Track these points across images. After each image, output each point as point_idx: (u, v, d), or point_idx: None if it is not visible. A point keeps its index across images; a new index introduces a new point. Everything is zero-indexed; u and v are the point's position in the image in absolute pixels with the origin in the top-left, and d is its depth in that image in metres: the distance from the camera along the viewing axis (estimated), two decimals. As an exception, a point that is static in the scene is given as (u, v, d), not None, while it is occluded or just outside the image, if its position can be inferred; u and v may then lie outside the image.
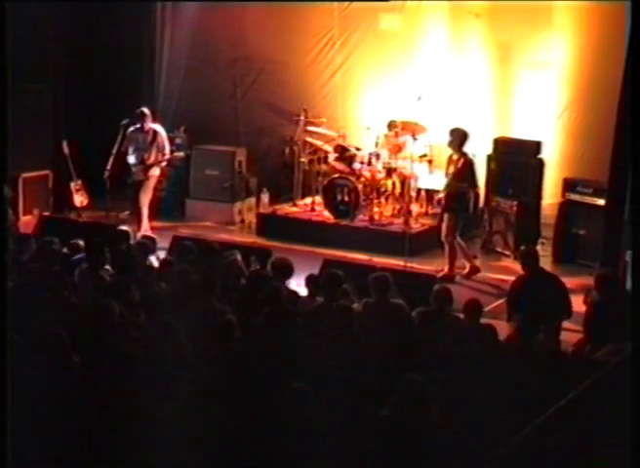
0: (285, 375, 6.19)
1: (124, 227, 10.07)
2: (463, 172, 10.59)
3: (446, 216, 10.74)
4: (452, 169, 10.71)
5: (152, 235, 10.54)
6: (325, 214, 12.25)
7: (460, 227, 10.80)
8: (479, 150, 11.44)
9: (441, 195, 11.01)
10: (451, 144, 10.72)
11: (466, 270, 10.80)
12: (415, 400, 5.66)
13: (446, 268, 10.73)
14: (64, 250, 8.88)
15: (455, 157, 10.69)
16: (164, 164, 12.16)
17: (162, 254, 9.52)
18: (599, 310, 8.03)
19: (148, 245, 9.19)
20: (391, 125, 12.27)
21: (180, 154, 12.69)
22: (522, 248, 9.19)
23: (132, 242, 9.52)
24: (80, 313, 7.26)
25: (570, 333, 8.69)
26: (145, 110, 12.02)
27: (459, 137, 10.67)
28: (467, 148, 10.84)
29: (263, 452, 5.47)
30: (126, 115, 12.21)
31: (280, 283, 7.98)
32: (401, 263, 10.64)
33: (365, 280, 8.02)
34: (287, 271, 8.26)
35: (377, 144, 12.27)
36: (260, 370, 6.30)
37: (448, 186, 10.73)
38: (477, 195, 11.15)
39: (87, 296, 7.75)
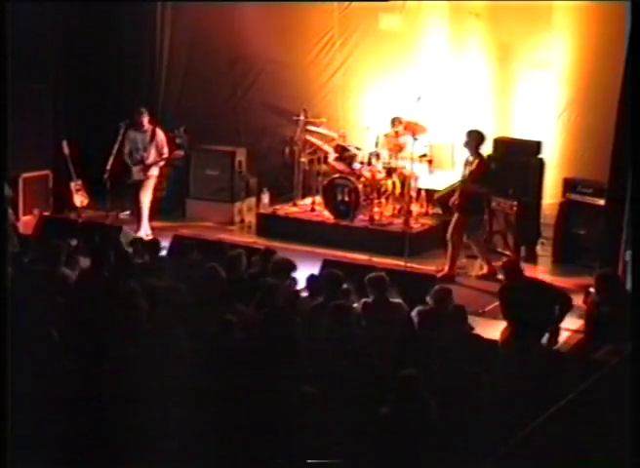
0: (284, 375, 6.20)
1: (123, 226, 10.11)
2: (478, 173, 10.57)
3: (455, 216, 10.73)
4: (467, 170, 10.69)
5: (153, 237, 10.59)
6: (325, 214, 12.24)
7: (475, 228, 10.79)
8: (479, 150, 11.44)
9: (455, 196, 10.84)
10: (467, 146, 10.70)
11: (484, 270, 10.79)
12: (412, 395, 5.66)
13: (446, 268, 10.73)
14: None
15: (470, 158, 10.69)
16: (163, 163, 12.16)
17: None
18: (599, 310, 8.03)
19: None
20: (395, 121, 12.23)
21: (180, 153, 12.71)
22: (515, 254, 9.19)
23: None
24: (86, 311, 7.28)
25: (570, 333, 8.71)
26: (144, 110, 12.02)
27: (475, 139, 10.66)
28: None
29: (266, 453, 5.48)
30: (126, 115, 12.21)
31: (280, 282, 8.00)
32: (401, 263, 10.64)
33: (364, 280, 8.03)
34: (288, 270, 8.28)
35: (377, 144, 12.27)
36: (259, 369, 6.30)
37: (462, 186, 10.69)
38: (486, 196, 11.05)
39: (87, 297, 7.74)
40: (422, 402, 5.70)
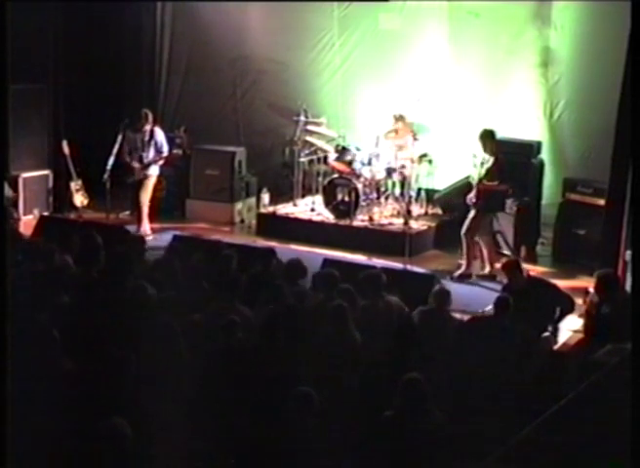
0: (283, 376, 6.19)
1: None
2: (496, 171, 10.54)
3: (472, 213, 10.71)
4: (485, 168, 10.62)
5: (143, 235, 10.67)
6: (325, 214, 12.24)
7: (488, 227, 10.79)
8: (479, 150, 11.45)
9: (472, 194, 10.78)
10: (485, 148, 10.64)
11: (485, 271, 10.80)
12: (417, 399, 5.65)
13: (463, 267, 10.74)
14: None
15: (487, 157, 10.65)
16: (161, 163, 12.14)
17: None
18: (599, 310, 8.03)
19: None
20: (396, 117, 12.21)
21: (178, 152, 12.72)
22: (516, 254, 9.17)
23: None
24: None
25: (570, 334, 8.71)
26: (147, 112, 12.00)
27: (487, 138, 10.63)
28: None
29: (266, 454, 5.47)
30: (126, 115, 12.22)
31: (287, 283, 7.99)
32: (401, 263, 10.64)
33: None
34: (299, 272, 8.24)
35: (377, 144, 12.27)
36: (262, 369, 6.30)
37: (480, 184, 10.65)
38: (503, 195, 11.00)
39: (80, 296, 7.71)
40: (426, 405, 5.67)
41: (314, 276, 8.43)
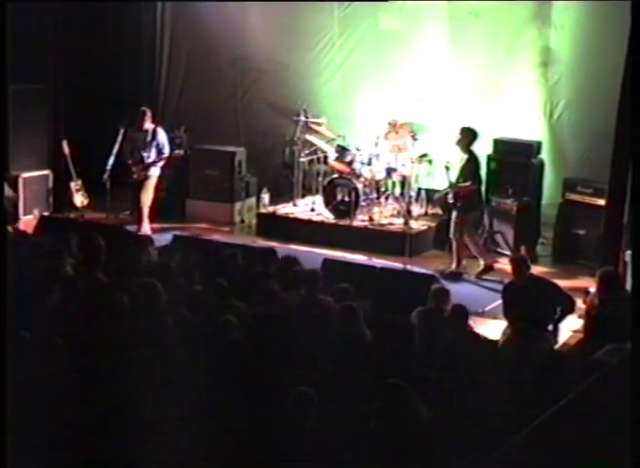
0: (281, 376, 6.19)
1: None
2: (469, 170, 10.62)
3: (454, 214, 10.76)
4: (459, 168, 10.71)
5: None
6: (325, 214, 12.24)
7: (471, 225, 10.85)
8: (479, 150, 11.45)
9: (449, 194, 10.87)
10: (459, 143, 10.73)
11: (481, 267, 10.83)
12: (399, 404, 5.59)
13: (453, 265, 10.76)
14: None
15: (463, 156, 10.70)
16: (162, 163, 12.13)
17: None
18: (599, 309, 8.03)
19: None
20: (391, 124, 12.24)
21: (180, 152, 12.71)
22: (518, 253, 9.23)
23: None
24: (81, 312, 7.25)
25: (570, 334, 8.71)
26: (145, 110, 12.03)
27: (467, 137, 10.71)
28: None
29: (264, 455, 5.47)
30: (126, 115, 12.22)
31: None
32: (401, 263, 10.65)
33: (364, 280, 8.01)
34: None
35: (377, 144, 12.26)
36: (256, 369, 6.30)
37: (454, 185, 10.71)
38: (480, 192, 11.07)
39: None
40: (411, 409, 5.64)
41: (295, 274, 8.33)
